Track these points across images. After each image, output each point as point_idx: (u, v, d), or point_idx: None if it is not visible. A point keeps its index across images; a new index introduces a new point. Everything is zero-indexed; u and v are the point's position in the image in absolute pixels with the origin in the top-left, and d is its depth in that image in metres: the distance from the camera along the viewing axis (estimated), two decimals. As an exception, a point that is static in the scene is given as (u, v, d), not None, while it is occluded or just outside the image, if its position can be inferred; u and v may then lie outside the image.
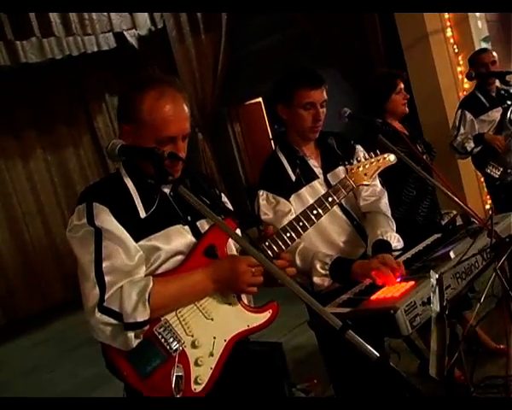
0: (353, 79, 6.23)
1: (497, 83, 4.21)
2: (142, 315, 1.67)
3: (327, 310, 2.11)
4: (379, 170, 2.38)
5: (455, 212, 3.83)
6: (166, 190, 1.92)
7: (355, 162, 2.37)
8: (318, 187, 2.61)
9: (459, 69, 5.99)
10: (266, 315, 1.87)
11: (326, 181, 2.64)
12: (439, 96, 6.01)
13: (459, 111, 4.49)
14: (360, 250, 2.63)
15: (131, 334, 1.67)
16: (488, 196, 6.34)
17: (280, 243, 1.98)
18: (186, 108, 1.87)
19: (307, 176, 2.62)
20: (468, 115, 4.38)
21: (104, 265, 1.71)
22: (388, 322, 1.87)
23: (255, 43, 8.45)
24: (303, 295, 1.48)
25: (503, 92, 4.31)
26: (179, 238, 1.85)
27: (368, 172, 2.34)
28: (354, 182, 2.31)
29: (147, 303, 1.67)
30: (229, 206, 2.08)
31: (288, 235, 2.03)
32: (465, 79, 6.00)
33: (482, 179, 6.33)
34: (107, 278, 1.70)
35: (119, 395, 1.85)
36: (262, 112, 10.64)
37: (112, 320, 1.66)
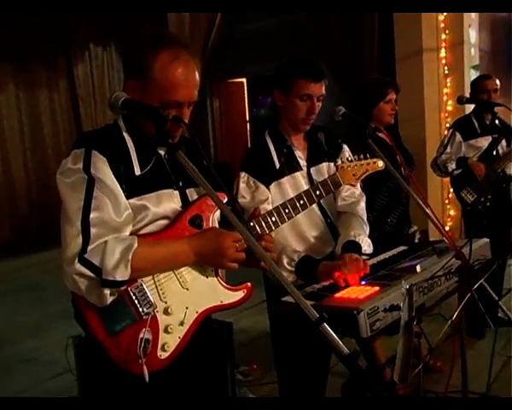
0: (342, 79, 6.26)
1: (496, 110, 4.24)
2: (122, 275, 1.63)
3: (289, 299, 2.18)
4: (367, 173, 2.39)
5: (415, 227, 3.91)
6: (162, 152, 1.88)
7: (345, 161, 2.37)
8: (300, 179, 2.62)
9: (445, 91, 6.09)
10: (240, 294, 1.87)
11: (308, 174, 2.64)
12: (421, 112, 6.11)
13: (450, 130, 4.54)
14: (329, 249, 2.65)
15: (107, 291, 1.63)
16: (449, 219, 6.51)
17: (264, 226, 1.98)
18: (197, 75, 1.82)
19: (291, 166, 2.62)
20: (458, 137, 4.42)
21: (92, 215, 1.66)
22: (350, 322, 1.90)
23: (251, 23, 8.39)
24: (283, 280, 1.47)
25: (497, 122, 4.37)
26: (168, 202, 1.83)
27: (356, 173, 2.36)
28: (342, 180, 2.33)
29: (129, 264, 1.64)
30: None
31: (274, 219, 2.03)
32: (449, 102, 6.12)
33: (447, 201, 6.50)
34: (92, 230, 1.65)
35: (57, 347, 1.81)
36: (244, 93, 10.61)
37: (90, 273, 1.62)
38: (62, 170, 1.74)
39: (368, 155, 2.40)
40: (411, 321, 1.75)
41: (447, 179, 6.06)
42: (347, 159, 2.38)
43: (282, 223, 2.09)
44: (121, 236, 1.69)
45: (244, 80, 10.52)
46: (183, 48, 1.80)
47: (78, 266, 1.62)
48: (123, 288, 1.67)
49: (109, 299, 1.65)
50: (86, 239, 1.64)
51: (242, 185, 2.55)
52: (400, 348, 1.66)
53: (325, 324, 1.42)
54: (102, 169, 1.71)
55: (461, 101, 3.56)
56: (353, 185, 2.41)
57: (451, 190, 6.00)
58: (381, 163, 2.40)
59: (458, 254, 2.26)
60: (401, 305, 2.06)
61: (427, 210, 2.55)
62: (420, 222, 3.93)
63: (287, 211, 2.11)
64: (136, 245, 1.67)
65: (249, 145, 10.43)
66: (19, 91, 8.79)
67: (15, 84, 8.75)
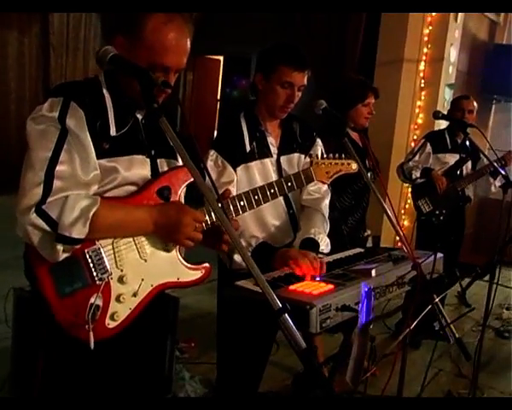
0: (320, 73, 6.23)
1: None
2: (79, 232, 1.56)
3: (243, 284, 2.17)
4: (340, 173, 2.38)
5: (369, 232, 3.96)
6: (139, 117, 1.82)
7: (320, 157, 2.35)
8: (269, 166, 2.59)
9: (418, 103, 6.18)
10: (197, 274, 1.84)
11: (278, 162, 2.62)
12: (392, 120, 6.18)
13: (422, 140, 4.64)
14: (287, 239, 2.64)
15: (60, 247, 1.56)
16: (402, 228, 6.61)
17: (231, 209, 1.95)
18: (188, 42, 1.77)
19: (261, 151, 2.59)
20: (428, 148, 4.53)
21: (58, 168, 1.59)
22: (301, 315, 1.89)
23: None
24: (250, 264, 1.44)
25: (467, 143, 4.45)
26: (139, 169, 1.77)
27: (330, 171, 2.35)
28: (315, 176, 2.31)
29: (88, 222, 1.57)
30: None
31: (242, 204, 2.00)
32: (420, 114, 6.20)
33: (403, 211, 6.60)
34: (56, 183, 1.58)
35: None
36: (219, 71, 10.51)
37: (45, 226, 1.54)
38: (35, 115, 1.66)
39: (343, 155, 2.39)
40: (368, 324, 1.76)
41: (406, 190, 6.18)
42: (322, 155, 2.36)
43: (249, 209, 2.07)
44: (84, 193, 1.62)
45: (221, 58, 10.41)
46: (177, 13, 1.74)
47: (34, 217, 1.54)
48: (77, 247, 1.61)
49: (62, 255, 1.58)
50: (47, 190, 1.57)
51: (210, 163, 2.51)
52: (355, 350, 1.67)
53: (286, 315, 1.40)
54: (78, 123, 1.64)
55: (436, 116, 3.61)
56: (324, 183, 2.39)
57: (409, 201, 6.12)
58: (354, 165, 2.39)
59: (416, 266, 2.30)
60: (353, 306, 2.09)
61: (393, 218, 2.57)
62: (374, 228, 3.98)
63: (256, 198, 2.08)
64: (98, 205, 1.61)
65: (216, 124, 10.37)
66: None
67: (-17, 21, 8.36)
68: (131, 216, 1.71)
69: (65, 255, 1.59)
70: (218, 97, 10.60)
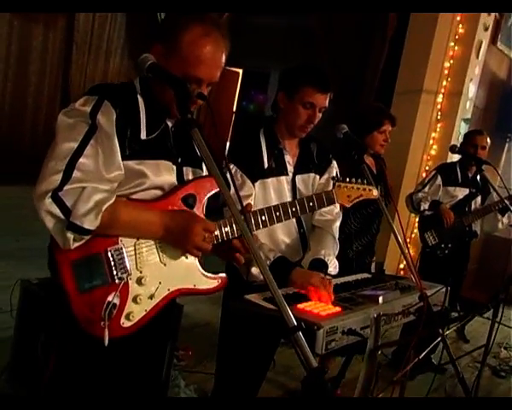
0: (338, 95, 6.27)
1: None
2: (90, 223, 1.59)
3: (252, 298, 2.20)
4: (360, 199, 2.41)
5: (373, 258, 3.97)
6: (169, 124, 1.87)
7: (342, 180, 2.38)
8: (284, 183, 2.63)
9: (433, 135, 6.20)
10: (214, 283, 1.87)
11: (293, 181, 2.66)
12: (406, 149, 6.19)
13: (433, 172, 4.65)
14: (296, 257, 2.67)
15: (71, 235, 1.59)
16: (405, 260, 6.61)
17: (253, 223, 1.98)
18: (224, 57, 1.82)
19: (278, 169, 2.63)
20: (439, 180, 4.53)
21: (80, 160, 1.62)
22: (308, 335, 1.90)
23: (259, 17, 8.35)
24: (268, 279, 1.47)
25: (478, 178, 4.48)
26: (167, 175, 1.81)
27: (351, 195, 2.38)
28: (337, 198, 2.34)
29: (100, 215, 1.60)
30: None
31: (263, 218, 2.03)
32: (434, 146, 6.23)
33: (408, 240, 6.61)
34: (75, 173, 1.61)
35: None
36: (237, 83, 10.58)
37: (59, 213, 1.57)
38: (68, 110, 1.70)
39: (365, 181, 2.42)
40: (376, 350, 1.79)
41: (413, 219, 6.19)
42: (344, 179, 2.39)
43: (270, 224, 2.09)
44: (101, 187, 1.65)
45: (240, 71, 10.49)
46: (215, 27, 1.79)
47: (49, 202, 1.57)
48: (86, 238, 1.63)
49: (73, 244, 1.61)
50: (66, 178, 1.60)
51: (229, 177, 2.55)
52: (362, 375, 1.69)
53: (300, 333, 1.42)
54: (108, 121, 1.68)
55: (453, 150, 3.65)
56: (345, 206, 2.42)
57: (415, 231, 6.12)
58: (375, 192, 2.42)
59: (423, 296, 2.32)
60: (359, 330, 2.12)
61: (404, 248, 2.60)
62: (377, 254, 3.99)
63: (277, 214, 2.11)
64: (113, 200, 1.64)
65: (229, 136, 10.42)
66: (14, 19, 8.44)
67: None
68: (143, 217, 1.74)
69: (76, 244, 1.62)
70: (234, 109, 10.66)
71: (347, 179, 2.39)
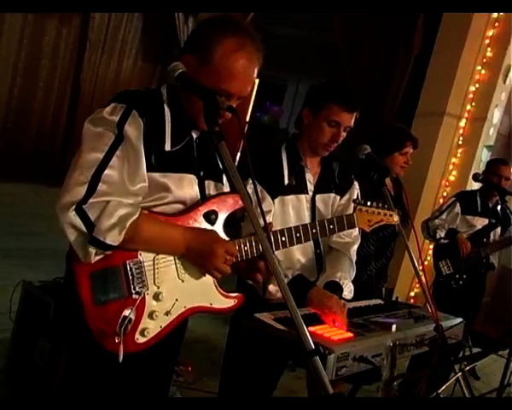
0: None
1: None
2: (113, 239, 1.61)
3: (262, 317, 2.21)
4: (380, 223, 2.42)
5: (386, 283, 3.97)
6: (194, 135, 1.89)
7: (364, 204, 2.40)
8: (303, 202, 2.64)
9: (453, 160, 6.19)
10: (230, 302, 1.88)
11: (312, 200, 2.67)
12: (424, 173, 6.18)
13: (452, 199, 4.64)
14: (311, 279, 2.66)
15: (93, 250, 1.61)
16: (417, 285, 6.60)
17: (273, 243, 2.00)
18: (256, 70, 1.83)
19: (299, 187, 2.64)
20: (458, 208, 4.53)
21: (106, 172, 1.65)
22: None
23: (280, 27, 8.41)
24: (288, 299, 1.49)
25: (498, 209, 4.49)
26: (189, 188, 1.83)
27: (372, 219, 2.39)
28: (357, 222, 2.36)
29: (124, 231, 1.62)
30: None
31: (283, 239, 2.05)
32: (454, 172, 6.23)
33: (420, 267, 6.57)
34: (100, 185, 1.64)
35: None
36: (252, 93, 10.60)
37: (82, 226, 1.60)
38: (94, 117, 1.72)
39: (386, 206, 2.43)
40: (393, 380, 1.79)
41: (427, 246, 6.17)
42: (365, 202, 2.41)
43: (289, 245, 2.11)
44: (126, 201, 1.67)
45: (256, 81, 10.52)
46: (250, 39, 1.79)
47: (73, 215, 1.60)
48: (108, 253, 1.65)
49: (94, 258, 1.63)
50: (91, 191, 1.62)
51: (249, 191, 2.56)
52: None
53: (317, 357, 1.44)
54: (136, 132, 1.70)
55: (476, 178, 3.65)
56: (365, 230, 2.43)
57: (428, 258, 6.11)
58: (396, 218, 2.43)
59: (438, 328, 2.33)
60: (370, 358, 2.13)
61: (421, 274, 2.61)
62: (388, 280, 3.98)
63: (297, 235, 2.13)
64: (137, 215, 1.66)
65: (241, 146, 10.43)
66: (28, 13, 8.49)
67: (25, 4, 8.53)
68: (165, 233, 1.76)
69: (97, 258, 1.64)
70: (247, 120, 10.68)
71: (368, 203, 2.40)
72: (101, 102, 9.11)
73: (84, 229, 1.60)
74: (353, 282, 2.82)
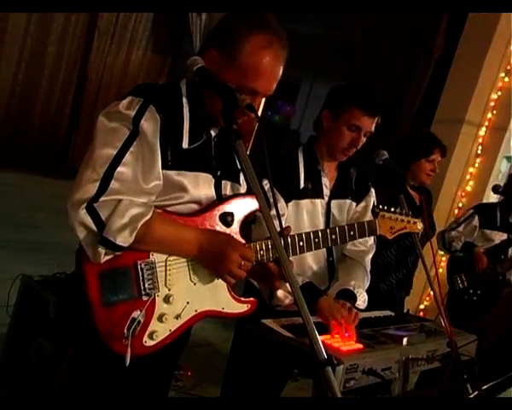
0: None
1: None
2: (124, 240, 1.61)
3: (269, 323, 2.21)
4: (403, 231, 2.41)
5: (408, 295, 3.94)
6: (213, 133, 1.88)
7: (386, 210, 2.39)
8: (318, 207, 2.64)
9: (471, 170, 6.13)
10: (243, 307, 1.87)
11: (328, 205, 2.67)
12: (439, 182, 6.11)
13: (470, 211, 4.60)
14: (322, 287, 2.66)
15: (102, 250, 1.61)
16: (428, 297, 6.58)
17: (290, 248, 1.99)
18: (281, 69, 1.83)
19: (314, 191, 2.64)
20: (476, 221, 4.50)
21: (119, 169, 1.64)
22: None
23: (294, 24, 8.37)
24: (302, 306, 1.48)
25: None
26: (205, 188, 1.82)
27: (394, 226, 2.38)
28: (379, 229, 2.35)
29: (135, 232, 1.62)
30: None
31: (301, 244, 2.04)
32: (471, 182, 6.19)
33: (432, 279, 6.54)
34: (113, 183, 1.63)
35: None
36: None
37: (92, 225, 1.59)
38: (109, 111, 1.71)
39: (410, 213, 2.42)
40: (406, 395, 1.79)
41: (439, 258, 6.13)
42: (391, 209, 2.39)
43: (307, 250, 2.10)
44: (138, 200, 1.66)
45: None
46: (277, 36, 1.79)
47: (83, 213, 1.59)
48: (118, 254, 1.65)
49: (104, 258, 1.63)
50: (102, 189, 1.62)
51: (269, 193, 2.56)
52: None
53: (330, 368, 1.44)
54: (152, 127, 1.69)
55: (496, 190, 3.62)
56: (387, 238, 2.42)
57: (440, 270, 6.08)
58: (420, 226, 2.42)
59: (452, 344, 2.32)
60: (379, 371, 2.12)
61: (435, 286, 2.60)
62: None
63: (316, 241, 2.11)
64: (149, 216, 1.65)
65: (250, 145, 10.42)
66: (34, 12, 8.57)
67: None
68: (179, 234, 1.75)
69: (107, 258, 1.64)
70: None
71: (391, 209, 2.39)
72: (107, 92, 9.16)
73: (94, 228, 1.60)
74: (371, 292, 2.83)
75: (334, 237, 2.22)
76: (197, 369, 4.13)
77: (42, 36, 8.76)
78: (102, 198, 1.61)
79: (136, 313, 1.67)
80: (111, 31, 9.23)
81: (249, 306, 1.89)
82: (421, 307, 6.48)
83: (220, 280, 1.82)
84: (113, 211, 1.60)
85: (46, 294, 3.15)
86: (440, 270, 6.02)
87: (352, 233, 2.29)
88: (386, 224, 2.38)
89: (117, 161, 1.64)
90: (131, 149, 1.67)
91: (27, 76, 8.81)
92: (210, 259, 1.77)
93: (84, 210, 1.60)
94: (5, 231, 5.70)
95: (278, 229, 1.61)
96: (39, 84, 8.92)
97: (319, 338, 1.47)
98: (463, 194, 6.22)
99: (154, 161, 1.69)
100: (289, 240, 2.00)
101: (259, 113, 10.85)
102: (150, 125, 1.69)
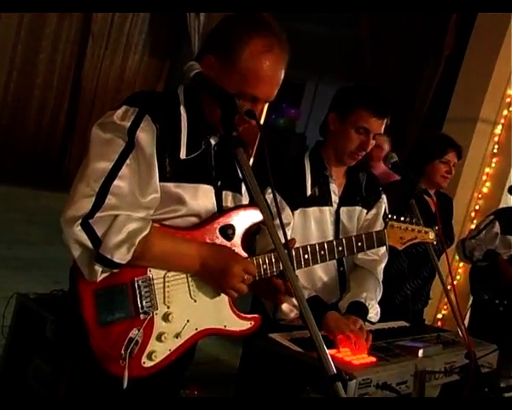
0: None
1: None
2: (121, 257, 1.61)
3: (277, 338, 2.20)
4: (414, 241, 2.41)
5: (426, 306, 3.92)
6: (212, 142, 1.88)
7: (395, 219, 2.39)
8: (327, 215, 2.64)
9: (487, 170, 6.09)
10: (246, 324, 1.87)
11: (337, 213, 2.67)
12: (454, 184, 6.05)
13: (491, 217, 4.57)
14: (333, 299, 2.67)
15: (99, 268, 1.61)
16: (445, 306, 6.54)
17: (295, 262, 1.98)
18: (283, 73, 1.83)
19: (322, 198, 2.64)
20: (497, 227, 4.46)
21: (115, 183, 1.64)
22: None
23: (299, 23, 8.40)
24: (309, 319, 1.48)
25: None
26: (204, 200, 1.82)
27: (404, 236, 2.38)
28: (388, 239, 2.35)
29: (133, 248, 1.62)
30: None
31: (306, 257, 2.03)
32: (487, 183, 6.15)
33: (449, 287, 6.50)
34: (109, 198, 1.63)
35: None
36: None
37: (87, 242, 1.60)
38: (103, 121, 1.72)
39: (421, 222, 2.41)
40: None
41: (456, 265, 6.08)
42: (400, 218, 2.39)
43: (313, 264, 2.10)
44: (135, 215, 1.67)
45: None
46: (277, 39, 1.79)
47: (78, 230, 1.59)
48: (116, 271, 1.65)
49: (100, 276, 1.63)
50: (98, 205, 1.62)
51: (267, 201, 2.56)
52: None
53: (340, 383, 1.44)
54: (148, 138, 1.69)
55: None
56: (396, 249, 2.42)
57: (458, 277, 6.04)
58: (432, 235, 2.42)
59: (470, 355, 2.30)
60: (394, 386, 2.11)
61: (452, 296, 2.59)
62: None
63: (322, 253, 2.11)
64: (147, 231, 1.66)
65: (254, 152, 10.42)
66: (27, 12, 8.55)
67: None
68: (179, 249, 1.75)
69: (103, 276, 1.64)
70: (262, 123, 10.66)
71: (401, 218, 2.39)
72: (103, 100, 9.19)
73: (90, 245, 1.60)
74: (385, 303, 2.82)
75: (340, 248, 2.21)
76: (204, 387, 4.12)
77: (33, 42, 8.79)
78: (98, 214, 1.61)
79: (133, 333, 1.67)
80: (105, 35, 9.24)
81: (252, 323, 1.89)
82: (439, 316, 6.44)
83: (222, 297, 1.82)
84: (110, 227, 1.61)
85: (43, 312, 3.14)
86: (458, 277, 6.01)
87: (359, 244, 2.29)
88: (395, 234, 2.38)
89: (113, 174, 1.65)
90: (127, 161, 1.67)
91: (19, 85, 8.83)
92: (212, 273, 1.77)
93: (79, 227, 1.60)
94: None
95: (283, 240, 1.61)
96: (32, 93, 8.94)
97: (327, 352, 1.48)
98: (480, 196, 6.16)
99: (152, 173, 1.70)
100: (294, 253, 2.00)
101: (263, 116, 10.88)
102: (146, 136, 1.69)
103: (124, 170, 1.66)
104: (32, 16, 8.64)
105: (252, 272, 1.79)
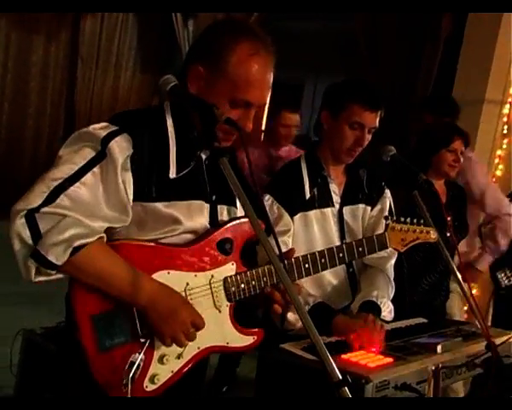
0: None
1: None
2: (56, 257, 1.57)
3: (289, 347, 2.20)
4: (416, 242, 2.43)
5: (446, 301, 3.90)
6: (203, 156, 1.89)
7: (396, 221, 2.39)
8: (329, 216, 2.65)
9: (499, 152, 6.05)
10: (249, 340, 1.89)
11: (340, 213, 2.68)
12: (466, 171, 6.08)
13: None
14: (345, 301, 2.68)
15: (32, 265, 1.58)
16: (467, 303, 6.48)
17: (295, 272, 1.99)
18: (271, 75, 1.85)
19: (322, 200, 2.65)
20: None
21: (74, 187, 1.63)
22: (354, 390, 1.91)
23: (292, 22, 8.41)
24: (309, 328, 1.50)
25: None
26: (199, 216, 1.84)
27: (406, 238, 2.39)
28: (390, 242, 2.36)
29: (69, 250, 1.58)
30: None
31: (307, 266, 2.04)
32: (500, 166, 6.12)
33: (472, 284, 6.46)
34: (62, 199, 1.61)
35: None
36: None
37: (27, 237, 1.56)
38: (80, 131, 1.74)
39: (421, 221, 2.42)
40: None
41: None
42: (398, 217, 2.41)
43: (314, 273, 2.12)
44: (86, 222, 1.63)
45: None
46: (262, 42, 1.82)
47: (21, 222, 1.57)
48: (52, 273, 1.61)
49: (36, 277, 1.60)
50: (48, 201, 1.60)
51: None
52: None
53: (346, 388, 1.44)
54: (121, 153, 1.69)
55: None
56: (398, 251, 2.42)
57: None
58: (434, 235, 2.43)
59: (490, 345, 2.29)
60: (414, 385, 2.10)
61: (465, 287, 2.58)
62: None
63: (323, 261, 2.13)
64: (91, 239, 1.62)
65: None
66: (11, 31, 8.56)
67: (8, 22, 8.48)
68: (127, 276, 1.69)
69: (40, 279, 1.61)
70: (263, 128, 10.63)
71: (402, 219, 2.41)
72: (98, 122, 9.16)
73: (29, 240, 1.57)
74: (401, 302, 2.81)
75: (341, 255, 2.23)
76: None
77: (22, 71, 8.80)
78: (46, 209, 1.59)
79: (134, 357, 1.67)
80: (94, 56, 9.25)
81: (255, 337, 1.91)
82: (465, 308, 6.40)
83: (223, 313, 1.83)
84: (54, 226, 1.58)
85: (50, 346, 3.16)
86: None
87: (360, 249, 2.31)
88: (396, 236, 2.40)
89: (74, 178, 1.65)
90: (94, 169, 1.67)
91: (11, 116, 8.85)
92: (158, 315, 1.70)
93: (23, 219, 1.57)
94: (5, 285, 5.74)
95: (278, 251, 1.60)
96: (25, 124, 8.94)
97: (331, 358, 1.48)
98: (494, 180, 6.13)
99: (118, 188, 1.69)
100: (294, 262, 2.01)
101: (263, 122, 10.89)
102: (120, 150, 1.70)
103: (88, 176, 1.66)
104: (17, 44, 8.66)
105: (199, 325, 1.74)
